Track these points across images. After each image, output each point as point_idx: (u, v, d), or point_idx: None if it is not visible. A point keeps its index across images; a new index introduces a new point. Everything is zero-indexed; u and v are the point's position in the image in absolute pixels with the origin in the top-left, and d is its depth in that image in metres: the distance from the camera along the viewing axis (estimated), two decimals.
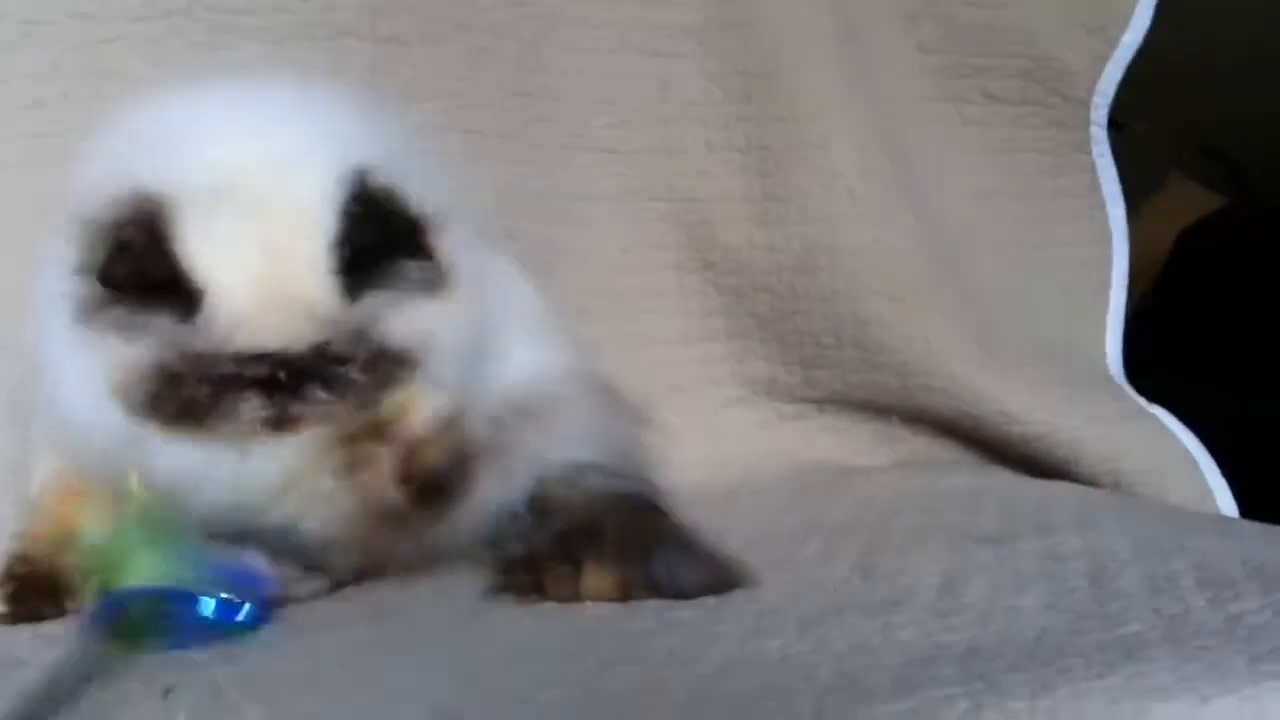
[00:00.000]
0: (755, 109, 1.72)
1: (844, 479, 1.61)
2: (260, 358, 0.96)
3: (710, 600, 1.03)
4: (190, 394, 0.97)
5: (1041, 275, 1.86)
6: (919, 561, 1.14)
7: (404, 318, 1.02)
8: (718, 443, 1.74)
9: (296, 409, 0.98)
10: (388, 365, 1.01)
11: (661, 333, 1.73)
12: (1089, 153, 1.87)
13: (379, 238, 0.99)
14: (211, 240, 0.95)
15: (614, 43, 1.71)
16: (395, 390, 1.02)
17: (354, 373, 0.99)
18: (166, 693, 0.86)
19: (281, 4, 1.51)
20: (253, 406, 0.98)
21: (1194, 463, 1.69)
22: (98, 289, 0.97)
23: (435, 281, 1.03)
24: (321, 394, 0.99)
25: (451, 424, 1.05)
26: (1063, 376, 1.74)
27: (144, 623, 0.94)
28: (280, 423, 0.98)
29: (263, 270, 0.96)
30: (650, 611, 1.01)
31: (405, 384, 1.02)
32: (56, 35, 1.47)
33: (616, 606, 1.04)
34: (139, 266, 0.95)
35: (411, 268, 1.01)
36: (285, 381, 0.97)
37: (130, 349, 0.98)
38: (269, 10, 1.51)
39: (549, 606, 1.06)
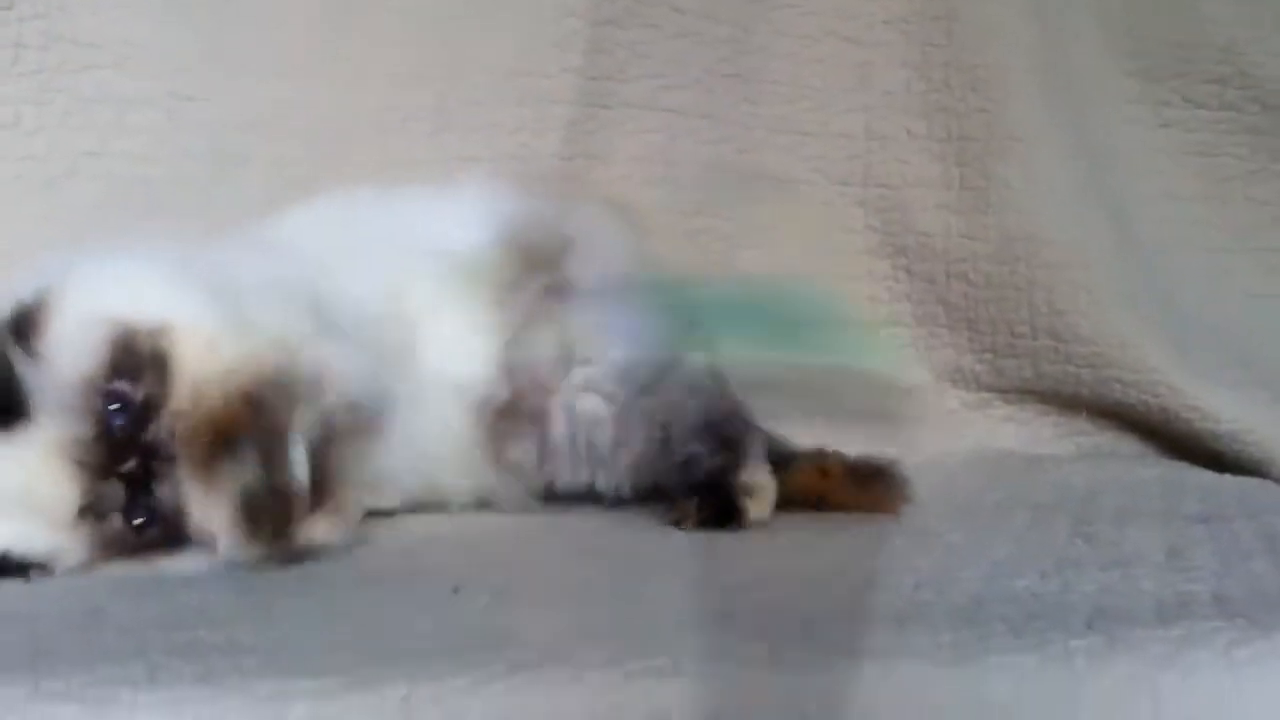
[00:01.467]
0: (956, 100, 1.74)
1: (1035, 465, 1.62)
2: None
3: (938, 543, 1.06)
4: None
5: (1233, 278, 1.85)
6: (1135, 534, 1.15)
7: None
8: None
9: None
10: None
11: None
12: None
13: None
14: None
15: (819, 29, 1.76)
16: None
17: None
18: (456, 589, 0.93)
19: None
20: None
21: None
22: None
23: None
24: None
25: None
26: (1256, 377, 1.72)
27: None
28: None
29: None
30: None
31: None
32: None
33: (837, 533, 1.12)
34: None
35: None
36: None
37: None
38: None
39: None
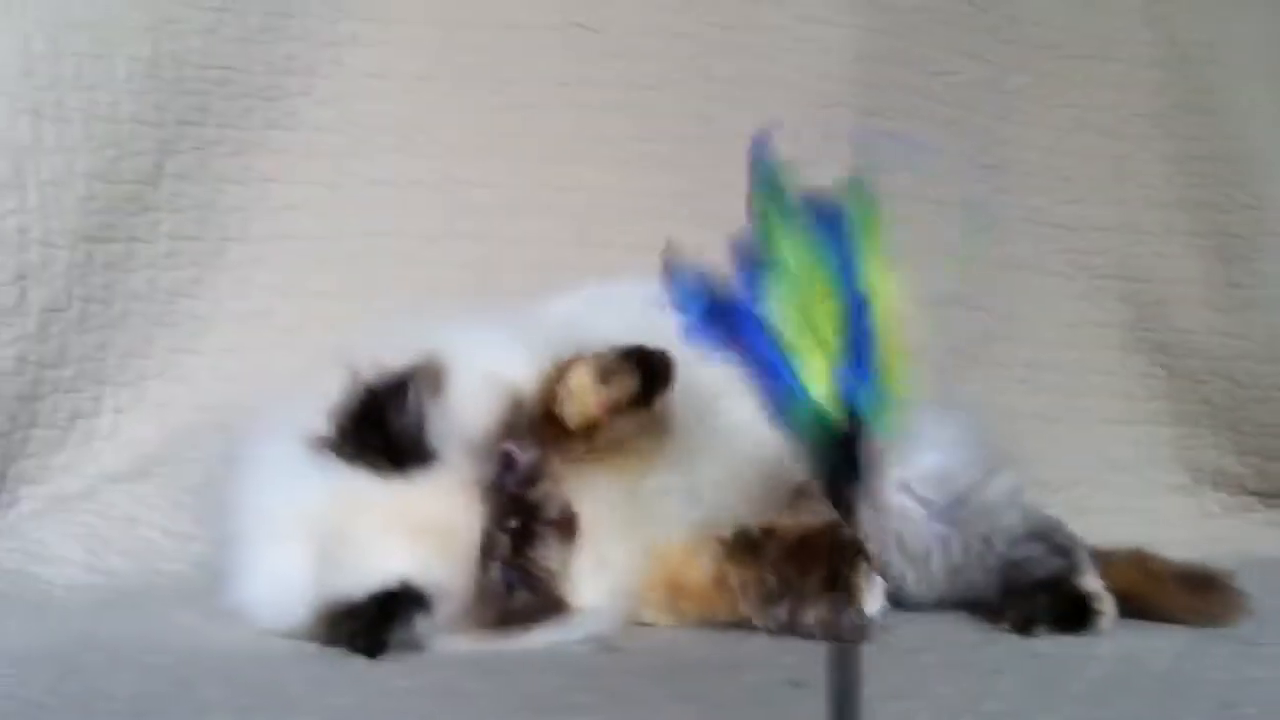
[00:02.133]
0: (1218, 194, 1.71)
1: None
2: None
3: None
4: None
5: None
6: None
7: None
8: (1153, 527, 1.69)
9: None
10: None
11: (1103, 411, 1.73)
12: None
13: None
14: None
15: (1073, 122, 1.75)
16: None
17: None
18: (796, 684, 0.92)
19: (780, 76, 1.61)
20: None
21: None
22: None
23: None
24: None
25: None
26: None
27: None
28: None
29: None
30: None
31: None
32: None
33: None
34: None
35: None
36: None
37: None
38: (763, 83, 1.61)
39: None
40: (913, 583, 1.24)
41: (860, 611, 1.05)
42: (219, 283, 1.57)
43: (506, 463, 1.08)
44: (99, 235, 1.46)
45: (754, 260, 0.75)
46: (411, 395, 1.08)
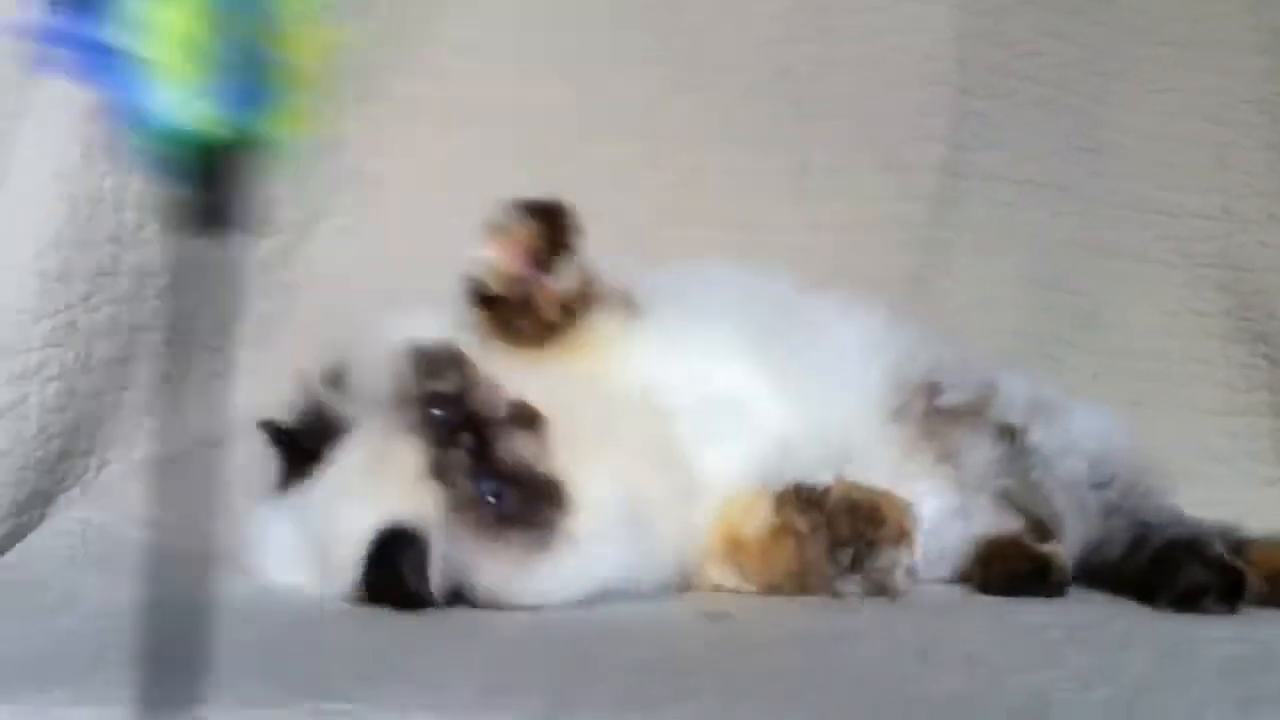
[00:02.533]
0: None
1: None
2: None
3: None
4: None
5: None
6: None
7: None
8: (1250, 518, 1.66)
9: None
10: None
11: (1202, 401, 1.68)
12: None
13: None
14: None
15: (1176, 106, 1.71)
16: None
17: None
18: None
19: (879, 57, 1.59)
20: None
21: None
22: None
23: None
24: None
25: None
26: None
27: None
28: None
29: None
30: None
31: None
32: None
33: None
34: None
35: None
36: None
37: None
38: (863, 60, 1.59)
39: None
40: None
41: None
42: (310, 253, 1.57)
43: (430, 399, 1.09)
44: None
45: None
46: (309, 407, 1.14)
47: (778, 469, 1.17)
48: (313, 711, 0.73)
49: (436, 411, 1.08)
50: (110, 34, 0.59)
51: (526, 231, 1.14)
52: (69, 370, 1.36)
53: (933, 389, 1.30)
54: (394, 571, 1.02)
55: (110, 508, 1.34)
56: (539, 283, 1.13)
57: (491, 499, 1.06)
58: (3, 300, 1.31)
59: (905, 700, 0.81)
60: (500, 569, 1.05)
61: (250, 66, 0.58)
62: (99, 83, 0.59)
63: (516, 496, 1.06)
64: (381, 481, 1.06)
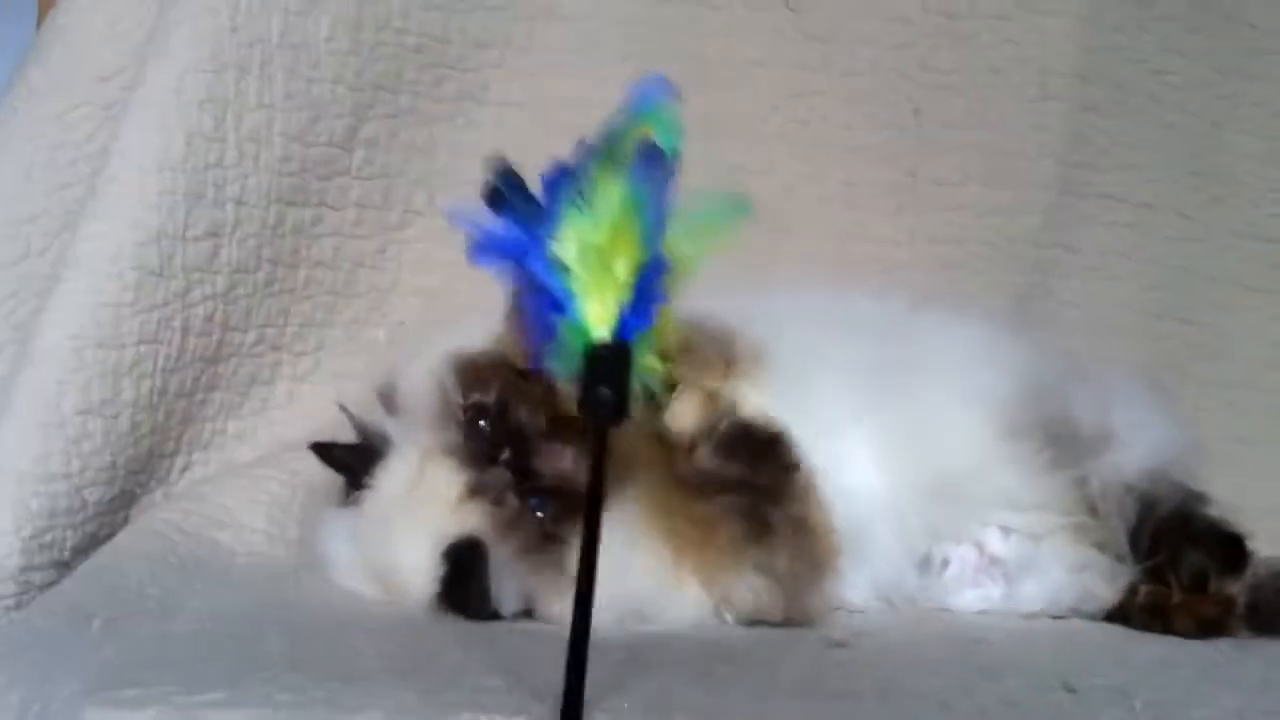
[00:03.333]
0: None
1: None
2: None
3: None
4: None
5: None
6: None
7: None
8: None
9: None
10: None
11: None
12: None
13: None
14: None
15: None
16: None
17: None
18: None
19: (998, 65, 1.54)
20: None
21: None
22: None
23: None
24: None
25: None
26: None
27: None
28: None
29: None
30: None
31: None
32: None
33: None
34: None
35: None
36: None
37: None
38: (982, 71, 1.55)
39: None
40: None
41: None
42: (401, 255, 1.54)
43: (470, 414, 1.08)
44: (291, 198, 1.42)
45: (566, 186, 0.81)
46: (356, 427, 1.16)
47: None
48: None
49: (481, 423, 1.07)
50: (545, 246, 0.74)
51: None
52: (162, 368, 1.33)
53: (1044, 408, 1.25)
54: (470, 582, 1.02)
55: (194, 511, 1.30)
56: None
57: (535, 509, 1.05)
58: (100, 293, 1.28)
59: None
60: (549, 583, 1.03)
61: (655, 282, 0.72)
62: (527, 285, 0.65)
63: (555, 509, 1.04)
64: (424, 505, 1.07)
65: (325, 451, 1.19)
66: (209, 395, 1.40)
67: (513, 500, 1.04)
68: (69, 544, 1.25)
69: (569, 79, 1.56)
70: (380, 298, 1.52)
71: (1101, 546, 1.21)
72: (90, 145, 1.40)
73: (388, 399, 1.17)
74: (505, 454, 1.05)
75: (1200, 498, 1.23)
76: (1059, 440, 1.23)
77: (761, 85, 1.56)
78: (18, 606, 1.16)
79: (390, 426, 1.14)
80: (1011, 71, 1.55)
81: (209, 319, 1.37)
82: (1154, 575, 1.17)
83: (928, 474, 1.19)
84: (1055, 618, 1.21)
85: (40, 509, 1.22)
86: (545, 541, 1.03)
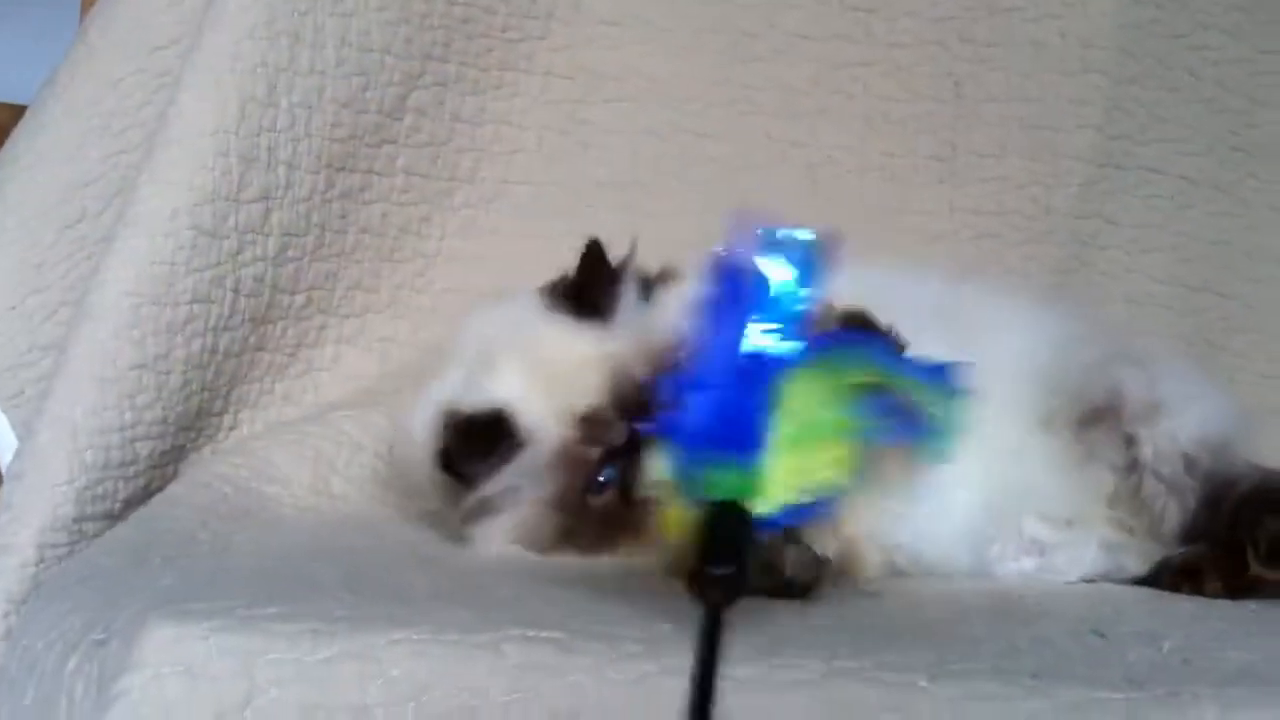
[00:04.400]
0: None
1: None
2: None
3: None
4: None
5: None
6: None
7: None
8: None
9: None
10: None
11: None
12: None
13: None
14: None
15: None
16: None
17: None
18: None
19: (1039, 38, 1.55)
20: None
21: None
22: None
23: None
24: None
25: None
26: None
27: None
28: None
29: None
30: None
31: None
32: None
33: None
34: None
35: None
36: None
37: None
38: (1023, 44, 1.56)
39: None
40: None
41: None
42: (447, 223, 1.56)
43: (673, 374, 1.05)
44: (340, 164, 1.45)
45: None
46: (625, 264, 1.12)
47: None
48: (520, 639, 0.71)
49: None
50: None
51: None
52: (213, 327, 1.36)
53: (1084, 391, 1.26)
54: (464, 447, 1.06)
55: (244, 465, 1.33)
56: None
57: (598, 481, 1.07)
58: (156, 251, 1.31)
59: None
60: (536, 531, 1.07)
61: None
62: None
63: (611, 506, 1.06)
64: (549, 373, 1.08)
65: (589, 260, 1.14)
66: (257, 356, 1.43)
67: (598, 451, 1.05)
68: (120, 496, 1.29)
69: (612, 50, 1.58)
70: (425, 264, 1.55)
71: (1138, 531, 1.22)
72: (144, 112, 1.44)
73: (666, 276, 1.17)
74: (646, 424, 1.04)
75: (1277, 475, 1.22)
76: (1100, 420, 1.23)
77: (802, 58, 1.57)
78: (70, 555, 1.19)
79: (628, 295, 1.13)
80: (1052, 44, 1.55)
81: (259, 280, 1.40)
82: (1230, 546, 1.16)
83: (977, 471, 1.18)
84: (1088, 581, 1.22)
85: (94, 461, 1.26)
86: (576, 504, 1.05)
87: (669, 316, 1.08)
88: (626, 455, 1.06)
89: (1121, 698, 0.70)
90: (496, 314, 1.18)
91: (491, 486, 1.07)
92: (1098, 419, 1.25)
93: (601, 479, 1.06)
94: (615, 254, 1.19)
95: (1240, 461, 1.24)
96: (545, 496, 1.07)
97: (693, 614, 0.67)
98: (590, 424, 1.06)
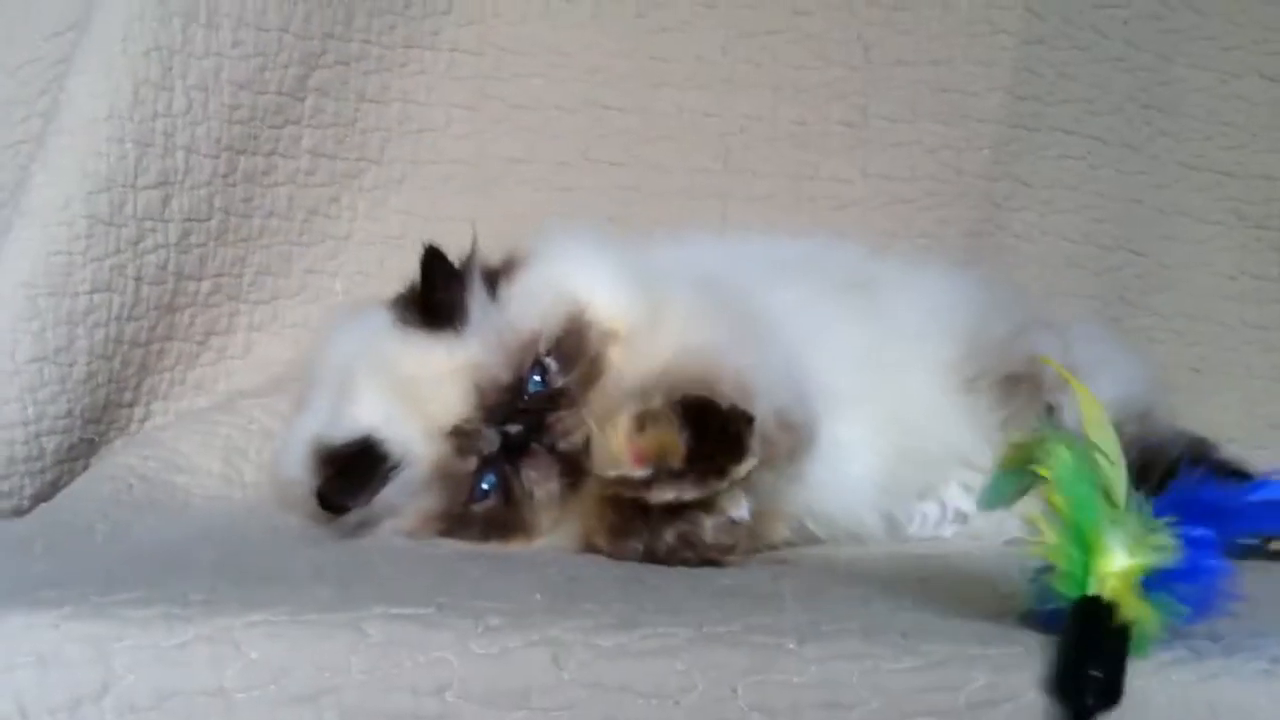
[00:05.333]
0: None
1: None
2: None
3: None
4: None
5: None
6: None
7: None
8: None
9: None
10: None
11: (1264, 368, 1.64)
12: None
13: None
14: None
15: (1240, 65, 1.67)
16: None
17: None
18: None
19: (948, 1, 1.56)
20: None
21: None
22: None
23: None
24: None
25: None
26: None
27: None
28: None
29: None
30: None
31: None
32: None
33: None
34: None
35: None
36: None
37: None
38: (931, 5, 1.55)
39: None
40: None
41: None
42: (356, 204, 1.55)
43: (537, 370, 1.06)
44: (242, 146, 1.43)
45: None
46: (468, 265, 1.10)
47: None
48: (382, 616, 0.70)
49: (530, 386, 1.07)
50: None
51: (671, 442, 0.97)
52: (116, 316, 1.34)
53: (1005, 355, 1.27)
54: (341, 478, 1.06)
55: (152, 456, 1.31)
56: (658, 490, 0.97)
57: (479, 490, 1.07)
58: (51, 241, 1.29)
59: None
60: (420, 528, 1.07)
61: None
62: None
63: (496, 510, 1.07)
64: (412, 392, 1.07)
65: (428, 271, 1.12)
66: (166, 345, 1.41)
67: (473, 460, 1.04)
68: (28, 492, 1.27)
69: (519, 24, 1.57)
70: (336, 246, 1.53)
71: None
72: (43, 100, 1.41)
73: (508, 268, 1.15)
74: (516, 427, 1.05)
75: (1204, 443, 1.25)
76: (1020, 386, 1.24)
77: (709, 27, 1.56)
78: None
79: (479, 304, 1.11)
80: (959, 6, 1.55)
81: (162, 267, 1.37)
82: None
83: (889, 435, 1.19)
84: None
85: None
86: (459, 510, 1.05)
87: (516, 311, 1.09)
88: (503, 459, 1.05)
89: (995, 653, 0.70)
90: (351, 333, 1.16)
91: (369, 511, 1.06)
92: (1018, 384, 1.25)
93: (485, 486, 1.05)
94: (522, 239, 1.20)
95: (1164, 426, 1.24)
96: (427, 510, 1.06)
97: (563, 583, 0.67)
98: (461, 437, 1.04)
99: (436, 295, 1.08)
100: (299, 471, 1.11)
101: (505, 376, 1.06)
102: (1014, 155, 1.58)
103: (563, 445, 1.04)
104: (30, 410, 1.27)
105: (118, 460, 1.31)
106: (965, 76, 1.57)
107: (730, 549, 1.00)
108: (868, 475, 1.17)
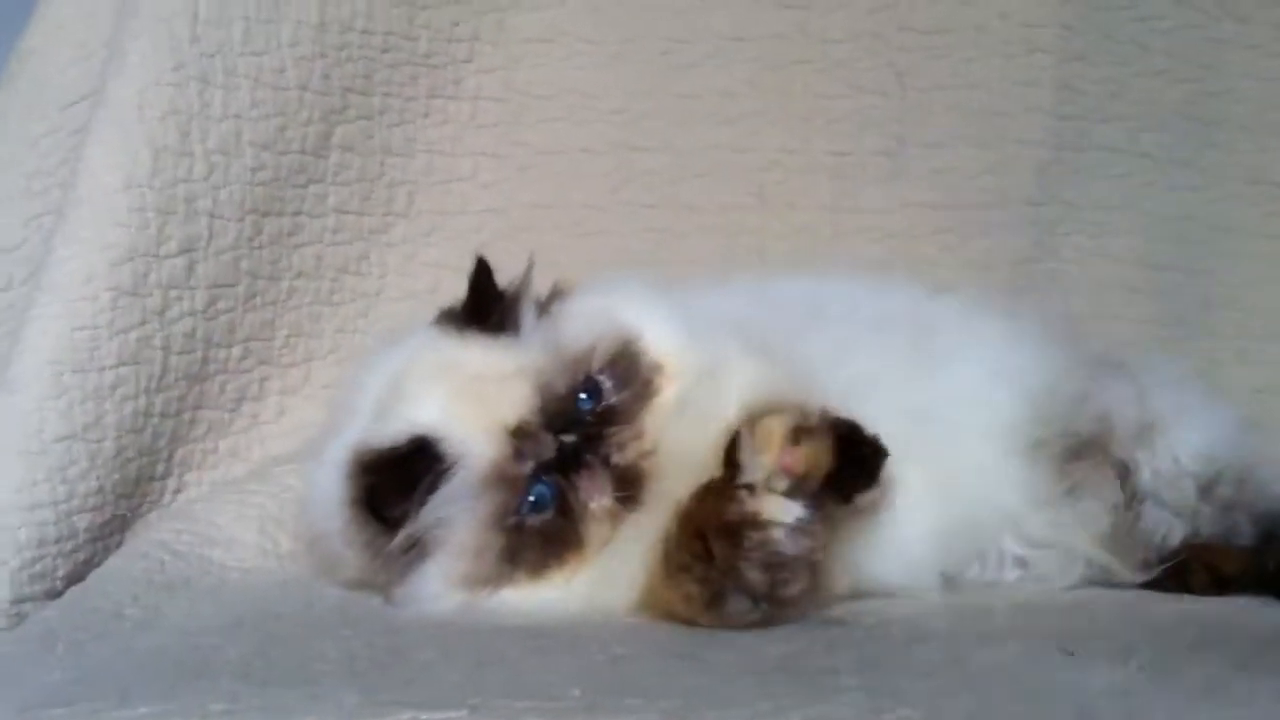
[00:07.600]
0: None
1: None
2: None
3: None
4: None
5: None
6: None
7: None
8: None
9: None
10: None
11: None
12: None
13: None
14: None
15: None
16: None
17: None
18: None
19: (979, 22, 1.50)
20: None
21: None
22: None
23: None
24: None
25: None
26: None
27: None
28: None
29: None
30: None
31: None
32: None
33: None
34: None
35: None
36: None
37: None
38: (964, 28, 1.51)
39: None
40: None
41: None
42: (386, 259, 1.52)
43: (590, 385, 1.04)
44: (267, 208, 1.41)
45: None
46: (524, 280, 1.10)
47: None
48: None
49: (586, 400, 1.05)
50: None
51: (823, 458, 0.95)
52: (145, 389, 1.31)
53: (1074, 417, 1.20)
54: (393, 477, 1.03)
55: (186, 530, 1.28)
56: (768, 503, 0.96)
57: (533, 499, 1.04)
58: (74, 316, 1.26)
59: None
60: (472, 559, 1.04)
61: None
62: None
63: (549, 522, 1.04)
64: (470, 391, 1.05)
65: (479, 279, 1.11)
66: (197, 414, 1.38)
67: (530, 465, 1.01)
68: (60, 573, 1.24)
69: (541, 68, 1.54)
70: (367, 304, 1.50)
71: (1128, 564, 1.18)
72: (63, 171, 1.39)
73: (560, 290, 1.15)
74: (571, 436, 1.03)
75: None
76: (1092, 448, 1.19)
77: (735, 61, 1.53)
78: None
79: (528, 309, 1.11)
80: (993, 27, 1.50)
81: (190, 336, 1.35)
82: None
83: (941, 501, 1.13)
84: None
85: (29, 539, 1.21)
86: (511, 523, 1.01)
87: (569, 329, 1.07)
88: (556, 469, 1.02)
89: None
90: (393, 354, 1.13)
91: (420, 522, 1.01)
92: (1085, 451, 1.19)
93: (533, 498, 1.02)
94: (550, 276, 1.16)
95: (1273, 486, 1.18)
96: (481, 518, 1.02)
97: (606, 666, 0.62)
98: (521, 438, 1.01)
99: (488, 302, 1.08)
100: (334, 491, 1.06)
101: (560, 386, 1.04)
102: (1060, 177, 1.53)
103: (616, 459, 1.02)
104: (60, 489, 1.24)
105: (151, 536, 1.28)
106: (1004, 98, 1.52)
107: (802, 589, 0.96)
108: (919, 539, 1.11)
